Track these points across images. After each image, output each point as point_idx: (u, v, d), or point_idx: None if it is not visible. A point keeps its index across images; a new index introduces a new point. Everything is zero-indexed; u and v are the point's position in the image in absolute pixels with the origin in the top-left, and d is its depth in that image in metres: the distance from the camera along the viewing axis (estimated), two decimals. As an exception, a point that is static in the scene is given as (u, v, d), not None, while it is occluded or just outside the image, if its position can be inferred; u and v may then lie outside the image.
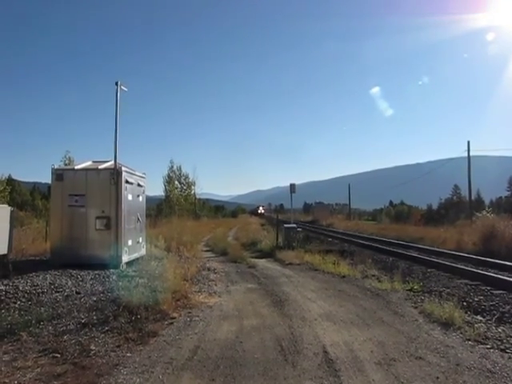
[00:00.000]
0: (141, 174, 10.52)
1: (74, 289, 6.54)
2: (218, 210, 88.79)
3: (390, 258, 12.34)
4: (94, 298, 5.95)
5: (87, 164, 9.70)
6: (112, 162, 8.98)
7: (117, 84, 8.88)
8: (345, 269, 9.55)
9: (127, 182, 9.19)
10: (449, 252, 13.21)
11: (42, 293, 6.20)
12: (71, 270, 7.86)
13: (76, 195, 8.82)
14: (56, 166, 9.26)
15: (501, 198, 73.74)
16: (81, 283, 7.00)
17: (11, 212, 8.39)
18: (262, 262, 11.74)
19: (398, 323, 5.13)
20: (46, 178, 9.98)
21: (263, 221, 47.25)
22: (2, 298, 5.86)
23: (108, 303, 5.63)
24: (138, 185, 10.18)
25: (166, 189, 42.96)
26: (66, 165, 21.28)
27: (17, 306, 5.52)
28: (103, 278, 7.54)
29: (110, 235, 8.68)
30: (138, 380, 3.37)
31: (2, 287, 6.38)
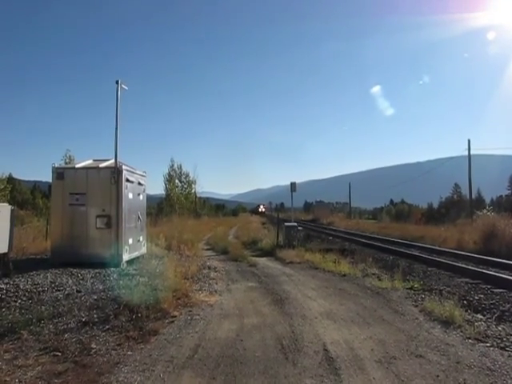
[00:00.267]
0: (141, 173, 10.52)
1: (74, 287, 6.54)
2: (219, 208, 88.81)
3: (391, 257, 12.35)
4: (95, 297, 5.95)
5: (88, 162, 9.70)
6: (112, 161, 8.98)
7: (117, 83, 8.87)
8: (345, 267, 9.55)
9: (128, 180, 9.19)
10: (449, 251, 13.21)
11: (43, 291, 6.21)
12: (72, 269, 7.87)
13: (76, 194, 8.82)
14: (56, 165, 9.26)
15: (501, 196, 73.70)
16: (81, 282, 7.01)
17: (12, 211, 8.40)
18: (262, 261, 11.74)
19: (398, 321, 5.13)
20: (46, 177, 9.98)
21: (264, 219, 47.27)
22: (3, 296, 5.87)
23: (109, 302, 5.63)
24: (139, 183, 10.18)
25: (166, 187, 42.94)
26: (66, 163, 21.28)
27: (17, 304, 5.53)
28: (104, 276, 7.55)
29: (111, 234, 8.68)
30: (138, 378, 3.38)
31: (3, 286, 6.39)
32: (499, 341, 4.40)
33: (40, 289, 6.33)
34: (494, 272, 8.80)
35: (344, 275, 8.85)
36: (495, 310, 5.72)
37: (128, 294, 5.65)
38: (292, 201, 18.38)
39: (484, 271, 8.87)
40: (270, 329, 4.81)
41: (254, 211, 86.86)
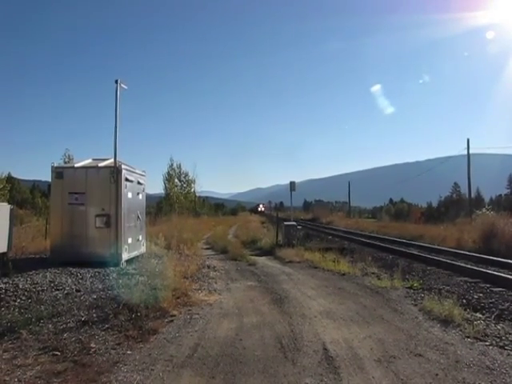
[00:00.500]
0: (141, 172, 10.51)
1: (73, 287, 6.54)
2: (218, 207, 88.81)
3: (390, 256, 12.35)
4: (94, 296, 5.95)
5: (87, 162, 9.69)
6: (112, 160, 8.97)
7: (116, 82, 8.86)
8: (345, 266, 9.56)
9: (127, 179, 9.18)
10: (449, 250, 13.22)
11: (42, 291, 6.20)
12: (71, 268, 7.86)
13: (76, 193, 8.81)
14: (56, 164, 9.24)
15: (500, 195, 73.85)
16: (81, 281, 7.00)
17: (11, 210, 8.40)
18: (262, 260, 11.75)
19: (397, 321, 5.14)
20: (45, 176, 9.96)
21: (263, 219, 47.22)
22: (2, 296, 5.86)
23: (108, 301, 5.63)
24: (138, 183, 10.17)
25: (165, 187, 42.95)
26: (65, 163, 21.26)
27: (17, 304, 5.52)
28: (103, 275, 7.54)
29: (110, 233, 8.67)
30: (138, 377, 3.38)
31: (2, 285, 6.38)
32: (498, 339, 4.41)
33: (39, 288, 6.32)
34: (493, 271, 8.80)
35: (343, 274, 8.85)
36: (494, 309, 5.72)
37: (127, 293, 5.65)
38: (291, 200, 18.38)
39: (483, 270, 8.88)
40: (270, 328, 4.82)
41: (254, 210, 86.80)
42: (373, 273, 8.96)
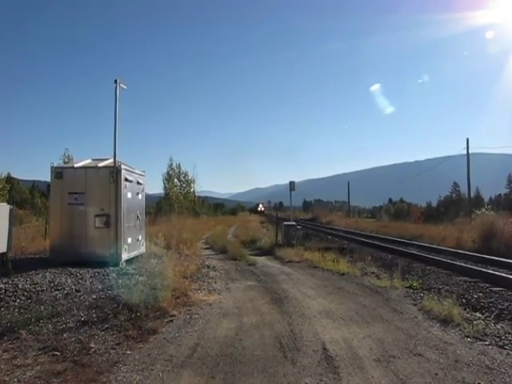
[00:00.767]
0: (140, 172, 10.51)
1: (73, 287, 6.54)
2: (218, 207, 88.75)
3: (390, 256, 12.36)
4: (94, 296, 5.95)
5: (87, 162, 9.68)
6: (111, 160, 8.96)
7: (116, 82, 8.85)
8: (344, 266, 9.56)
9: (127, 179, 9.18)
10: (448, 249, 13.22)
11: (42, 291, 6.20)
12: (71, 268, 7.85)
13: (75, 193, 8.80)
14: (55, 164, 9.23)
15: (500, 195, 73.90)
16: (80, 281, 7.00)
17: (10, 210, 8.39)
18: (261, 260, 11.75)
19: (397, 320, 5.14)
20: (45, 176, 9.95)
21: (263, 218, 47.24)
22: (2, 296, 5.85)
23: (108, 301, 5.62)
24: (138, 183, 10.17)
25: (165, 186, 42.97)
26: (65, 163, 21.24)
27: (16, 304, 5.52)
28: (103, 275, 7.54)
29: (110, 233, 8.67)
30: (137, 377, 3.38)
31: (2, 285, 6.37)
32: (498, 339, 4.41)
33: (39, 288, 6.31)
34: (493, 270, 8.81)
35: (343, 274, 8.86)
36: (494, 309, 5.73)
37: (127, 293, 5.65)
38: (291, 200, 18.38)
39: (483, 270, 8.89)
40: (269, 328, 4.82)
41: (253, 210, 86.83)
42: (372, 272, 8.96)
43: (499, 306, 5.89)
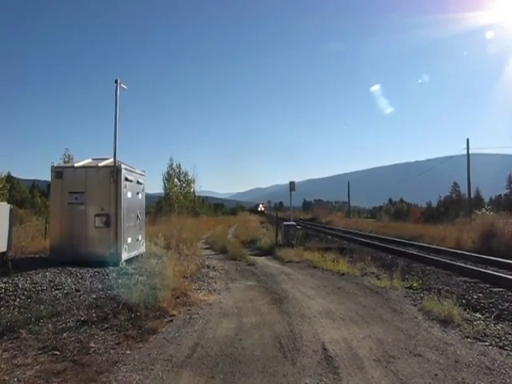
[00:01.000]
0: (140, 172, 10.51)
1: (73, 286, 6.53)
2: (218, 207, 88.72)
3: (390, 256, 12.36)
4: (94, 296, 5.94)
5: (87, 161, 9.68)
6: (111, 160, 8.96)
7: (116, 82, 8.84)
8: (344, 266, 9.56)
9: (127, 179, 9.18)
10: (448, 250, 13.23)
11: (42, 290, 6.19)
12: (71, 268, 7.85)
13: (75, 193, 8.80)
14: (55, 164, 9.23)
15: (500, 195, 73.86)
16: (80, 281, 7.00)
17: (10, 210, 8.38)
18: (261, 260, 11.75)
19: (397, 320, 5.14)
20: (45, 176, 9.96)
21: (263, 219, 47.25)
22: (2, 295, 5.85)
23: (107, 301, 5.62)
24: (138, 182, 10.17)
25: (165, 186, 42.99)
26: (65, 162, 21.23)
27: (16, 303, 5.51)
28: (103, 275, 7.53)
29: (110, 233, 8.66)
30: (137, 377, 3.38)
31: (2, 285, 6.37)
32: (498, 340, 4.41)
33: (39, 288, 6.31)
34: (493, 271, 8.81)
35: (343, 274, 8.86)
36: (494, 309, 5.72)
37: (127, 293, 5.65)
38: (291, 200, 18.38)
39: (482, 270, 8.89)
40: (269, 328, 4.82)
41: (253, 210, 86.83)
42: (372, 273, 8.96)
43: (499, 307, 5.89)
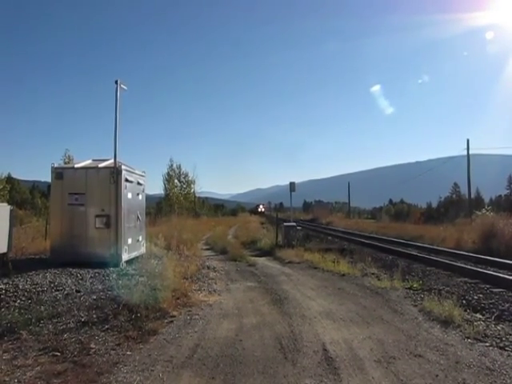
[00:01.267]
0: (140, 173, 10.51)
1: (73, 287, 6.53)
2: (218, 208, 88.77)
3: (390, 257, 12.35)
4: (94, 297, 5.94)
5: (87, 162, 9.69)
6: (112, 161, 8.97)
7: (116, 83, 8.85)
8: (344, 267, 9.56)
9: (127, 180, 9.18)
10: (448, 250, 13.22)
11: (42, 291, 6.19)
12: (71, 269, 7.85)
13: (76, 194, 8.80)
14: (56, 165, 9.23)
15: (500, 196, 73.85)
16: (81, 282, 7.00)
17: (11, 210, 8.39)
18: (261, 261, 11.75)
19: (397, 321, 5.14)
20: (45, 177, 9.97)
21: (263, 219, 47.27)
22: (2, 296, 5.85)
23: (108, 301, 5.62)
24: (138, 183, 10.17)
25: (165, 187, 43.03)
26: (65, 163, 21.26)
27: (17, 304, 5.51)
28: (103, 276, 7.54)
29: (110, 234, 8.67)
30: (138, 378, 3.38)
31: (2, 286, 6.37)
32: (498, 340, 4.41)
33: (39, 289, 6.31)
34: (493, 271, 8.81)
35: (343, 275, 8.85)
36: (494, 310, 5.72)
37: (127, 293, 5.64)
38: (291, 200, 18.39)
39: (483, 271, 8.88)
40: (269, 328, 4.82)
41: (254, 211, 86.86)
42: (372, 273, 8.96)
43: (500, 307, 5.89)
